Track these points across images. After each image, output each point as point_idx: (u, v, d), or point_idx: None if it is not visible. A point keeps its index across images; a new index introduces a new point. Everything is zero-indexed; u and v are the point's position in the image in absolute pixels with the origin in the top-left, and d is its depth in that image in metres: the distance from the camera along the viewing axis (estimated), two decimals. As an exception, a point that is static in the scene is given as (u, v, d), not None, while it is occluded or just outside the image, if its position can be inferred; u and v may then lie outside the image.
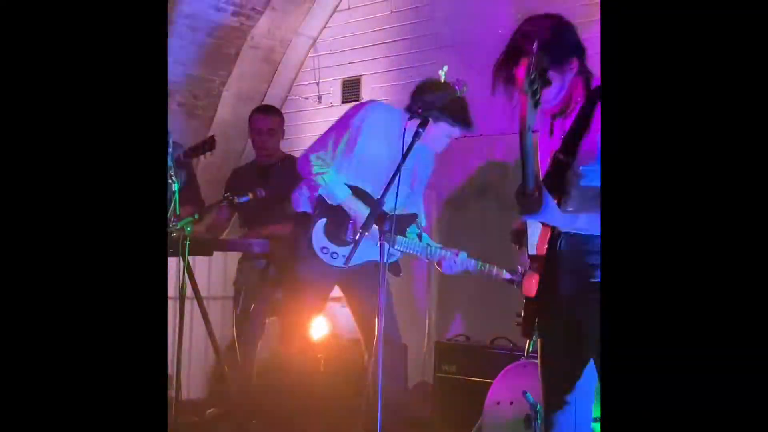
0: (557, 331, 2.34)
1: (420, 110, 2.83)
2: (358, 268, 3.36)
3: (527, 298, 2.33)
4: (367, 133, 3.43)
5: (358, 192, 3.46)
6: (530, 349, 3.27)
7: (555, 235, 2.25)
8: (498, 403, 3.45)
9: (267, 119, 4.38)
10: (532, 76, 1.90)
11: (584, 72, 2.26)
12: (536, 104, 1.95)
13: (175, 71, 5.43)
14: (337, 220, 3.48)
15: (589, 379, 2.32)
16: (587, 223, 2.16)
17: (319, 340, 4.81)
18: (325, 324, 4.92)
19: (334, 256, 3.48)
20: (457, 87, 2.90)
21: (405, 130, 2.89)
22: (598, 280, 2.14)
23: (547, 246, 2.25)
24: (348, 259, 2.72)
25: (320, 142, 3.53)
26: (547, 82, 2.07)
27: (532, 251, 2.29)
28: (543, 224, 2.23)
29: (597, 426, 2.59)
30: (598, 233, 2.10)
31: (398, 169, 2.72)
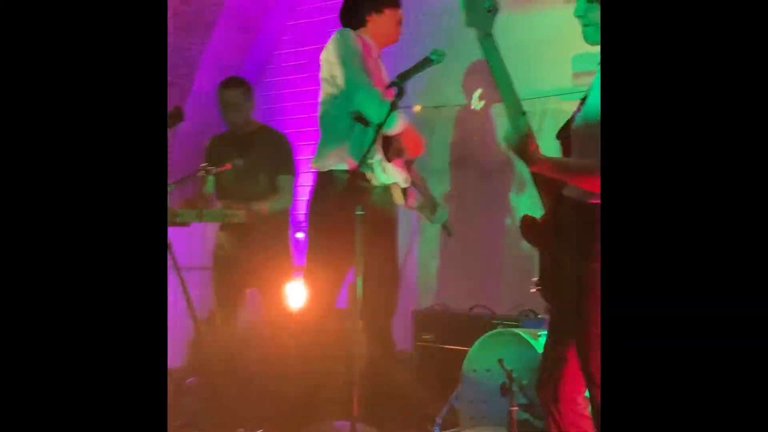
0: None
1: (396, 80, 2.82)
2: None
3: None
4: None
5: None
6: None
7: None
8: (475, 371, 3.50)
9: (229, 93, 4.28)
10: None
11: None
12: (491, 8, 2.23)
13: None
14: None
15: None
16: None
17: (297, 308, 4.82)
18: (304, 291, 4.91)
19: None
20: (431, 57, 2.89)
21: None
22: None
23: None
24: None
25: None
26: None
27: None
28: None
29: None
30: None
31: (374, 141, 2.74)
